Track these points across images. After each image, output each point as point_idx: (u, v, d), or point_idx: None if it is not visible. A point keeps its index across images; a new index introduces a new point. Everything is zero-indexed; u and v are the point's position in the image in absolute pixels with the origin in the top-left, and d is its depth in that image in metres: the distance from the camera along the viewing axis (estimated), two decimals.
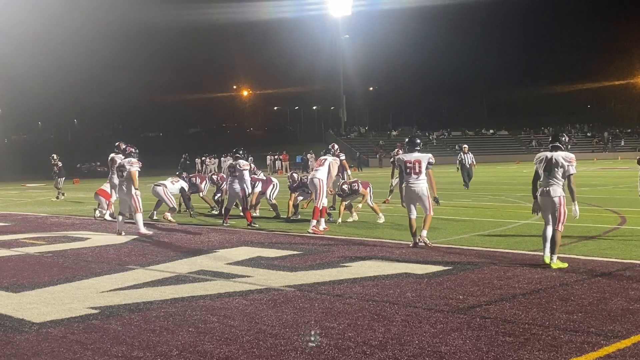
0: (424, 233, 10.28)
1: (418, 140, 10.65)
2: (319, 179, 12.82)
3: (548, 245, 8.37)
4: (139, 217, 12.81)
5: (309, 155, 55.01)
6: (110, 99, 78.97)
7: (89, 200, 22.33)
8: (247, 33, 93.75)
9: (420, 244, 10.22)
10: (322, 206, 12.82)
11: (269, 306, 6.60)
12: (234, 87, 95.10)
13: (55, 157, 26.17)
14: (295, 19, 74.90)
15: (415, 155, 10.36)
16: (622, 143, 72.94)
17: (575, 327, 5.58)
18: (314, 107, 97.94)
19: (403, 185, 10.47)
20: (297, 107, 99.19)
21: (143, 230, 12.77)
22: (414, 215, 10.34)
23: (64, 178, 25.87)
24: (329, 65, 77.22)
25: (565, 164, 8.31)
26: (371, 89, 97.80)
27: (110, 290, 7.58)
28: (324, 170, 13.00)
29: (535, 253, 9.17)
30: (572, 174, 8.32)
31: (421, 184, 10.24)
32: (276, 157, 59.74)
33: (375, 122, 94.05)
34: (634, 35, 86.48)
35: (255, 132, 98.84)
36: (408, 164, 10.29)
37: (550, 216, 8.49)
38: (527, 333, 5.43)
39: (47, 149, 47.84)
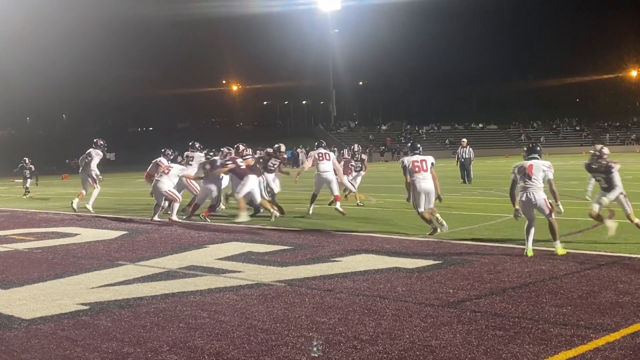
0: (438, 216, 11.19)
1: (418, 145, 11.58)
2: (329, 172, 14.10)
3: (530, 239, 8.89)
4: (175, 206, 14.46)
5: (298, 150, 55.04)
6: (99, 95, 78.46)
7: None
8: (237, 27, 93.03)
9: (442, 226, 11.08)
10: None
11: (259, 301, 6.60)
12: (223, 81, 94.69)
13: (27, 160, 25.67)
14: (284, 13, 74.77)
15: (419, 156, 11.14)
16: (639, 135, 71.95)
17: (565, 320, 5.61)
18: (304, 102, 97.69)
19: (413, 182, 11.02)
20: (286, 102, 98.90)
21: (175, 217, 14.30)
22: (423, 208, 10.97)
23: (31, 180, 25.27)
24: (319, 60, 77.05)
25: (545, 169, 9.01)
26: (361, 83, 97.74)
27: (100, 286, 7.56)
28: (329, 164, 14.22)
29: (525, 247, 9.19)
30: (551, 179, 9.06)
31: (429, 181, 10.96)
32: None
33: (364, 116, 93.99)
34: (623, 29, 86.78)
35: (244, 126, 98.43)
36: (415, 163, 10.99)
37: (532, 215, 9.05)
38: (517, 327, 5.45)
39: (36, 144, 47.54)
